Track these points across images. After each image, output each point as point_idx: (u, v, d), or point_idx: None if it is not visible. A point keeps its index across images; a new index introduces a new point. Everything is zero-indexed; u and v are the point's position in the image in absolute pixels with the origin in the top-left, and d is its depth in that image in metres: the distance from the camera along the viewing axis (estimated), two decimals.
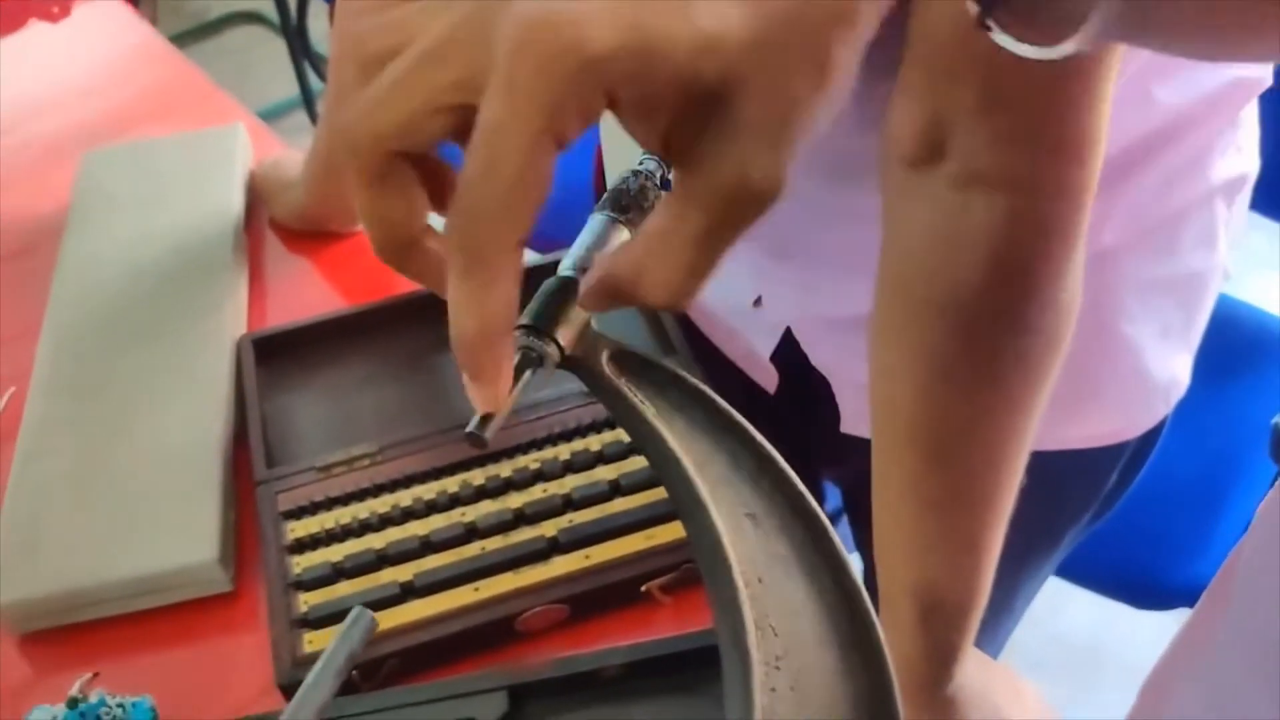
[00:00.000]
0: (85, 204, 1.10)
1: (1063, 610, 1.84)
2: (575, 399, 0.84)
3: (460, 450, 0.81)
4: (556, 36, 0.32)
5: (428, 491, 0.80)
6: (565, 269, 0.41)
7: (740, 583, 0.40)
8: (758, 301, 0.89)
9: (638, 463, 0.79)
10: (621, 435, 0.81)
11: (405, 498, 0.79)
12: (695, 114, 0.34)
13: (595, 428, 0.82)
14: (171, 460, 0.84)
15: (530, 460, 0.81)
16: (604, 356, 0.43)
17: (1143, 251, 0.79)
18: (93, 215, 1.09)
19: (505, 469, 0.80)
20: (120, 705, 0.68)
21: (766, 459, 0.43)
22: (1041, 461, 0.71)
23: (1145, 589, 1.25)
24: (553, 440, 0.82)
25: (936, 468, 0.65)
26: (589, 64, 0.32)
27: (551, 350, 0.40)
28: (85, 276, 1.02)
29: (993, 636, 1.07)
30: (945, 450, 0.64)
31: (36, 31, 1.45)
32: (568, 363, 0.41)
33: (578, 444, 0.81)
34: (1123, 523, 1.10)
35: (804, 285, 0.84)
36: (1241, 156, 0.82)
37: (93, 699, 0.68)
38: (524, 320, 0.40)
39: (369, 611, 0.41)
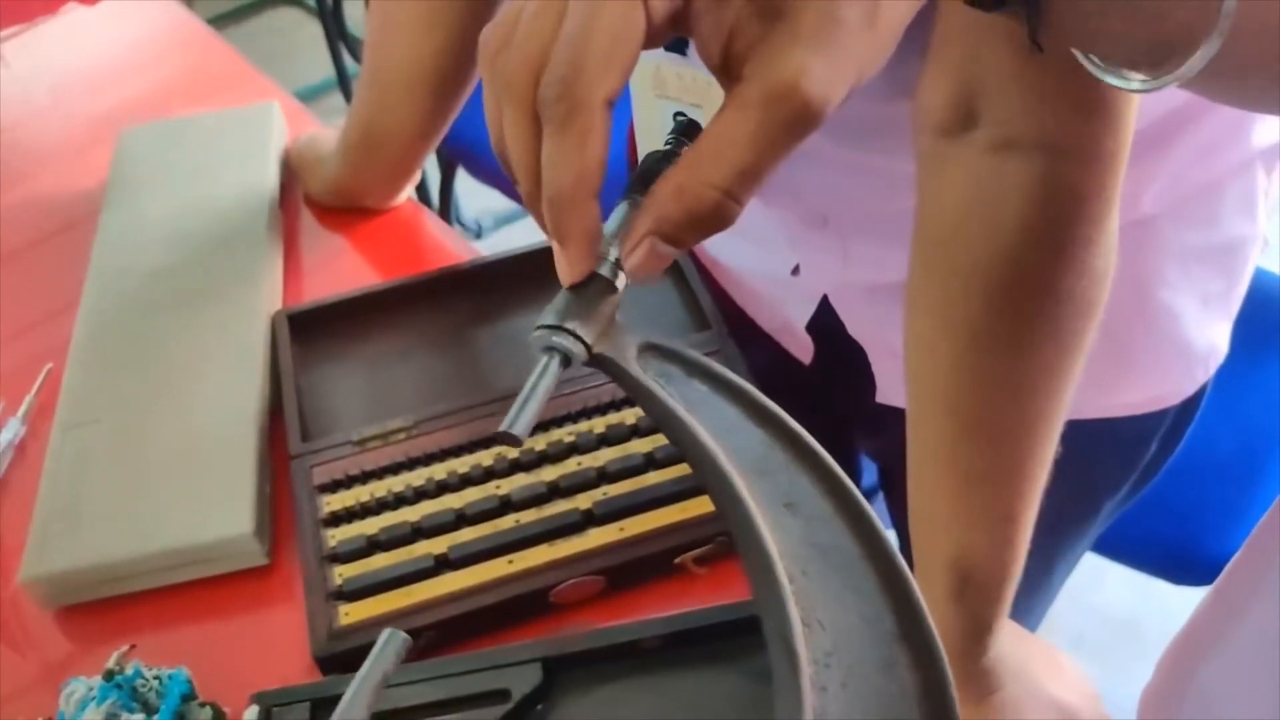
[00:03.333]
0: (123, 180, 1.11)
1: (1102, 585, 1.83)
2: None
3: (494, 423, 0.81)
4: None
5: (462, 465, 0.80)
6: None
7: (783, 578, 0.39)
8: (795, 270, 0.88)
9: None
10: None
11: (440, 471, 0.79)
12: (758, 15, 0.36)
13: (629, 401, 0.82)
14: (207, 434, 0.85)
15: (565, 434, 0.80)
16: (632, 351, 0.42)
17: (1182, 219, 0.78)
18: (130, 191, 1.09)
19: (539, 442, 0.80)
20: (156, 677, 0.69)
21: (803, 446, 0.42)
22: (1081, 430, 0.70)
23: (1183, 564, 1.24)
24: (587, 414, 0.82)
25: (972, 437, 0.64)
26: None
27: (578, 348, 0.40)
28: (122, 252, 1.03)
29: (1030, 610, 1.07)
30: (980, 419, 0.64)
31: (76, 15, 1.46)
32: (595, 359, 0.41)
33: (612, 417, 0.81)
34: (1160, 497, 1.09)
35: (842, 253, 0.84)
36: None
37: (129, 671, 0.69)
38: (549, 320, 0.40)
39: (401, 633, 0.41)
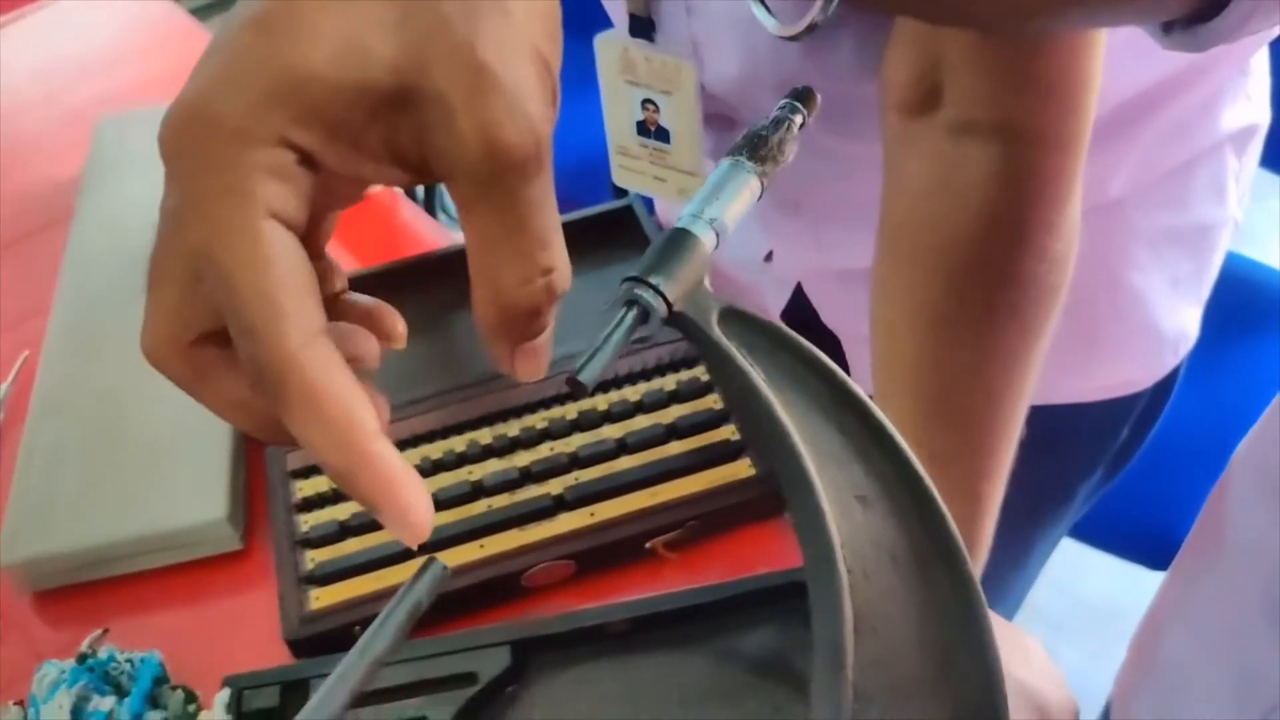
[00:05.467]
0: (100, 168, 1.11)
1: (1082, 573, 1.84)
2: (580, 360, 0.83)
3: (468, 410, 0.82)
4: (195, 120, 0.32)
5: (435, 450, 0.80)
6: (684, 220, 0.40)
7: (843, 570, 0.37)
8: (769, 257, 0.89)
9: (643, 421, 0.79)
10: (628, 395, 0.81)
11: (413, 457, 0.80)
12: (400, 119, 0.32)
13: (601, 387, 0.82)
14: (182, 421, 0.85)
15: (538, 419, 0.81)
16: (714, 315, 0.40)
17: (1153, 202, 0.79)
18: (107, 179, 1.09)
19: (513, 428, 0.80)
20: (129, 660, 0.69)
21: (885, 437, 0.40)
22: (1052, 414, 0.71)
23: (1160, 549, 1.24)
24: (559, 400, 0.82)
25: (935, 419, 0.65)
26: (236, 134, 0.31)
27: (659, 304, 0.38)
28: (99, 240, 1.03)
29: (1006, 596, 1.08)
30: (943, 400, 0.64)
31: (60, 6, 1.46)
32: (674, 319, 0.39)
33: (584, 403, 0.81)
34: (1137, 483, 1.10)
35: (814, 239, 0.84)
36: (1252, 106, 0.82)
37: (102, 655, 0.69)
38: (633, 272, 0.38)
39: (441, 562, 0.38)
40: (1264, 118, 0.84)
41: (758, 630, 0.68)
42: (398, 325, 0.42)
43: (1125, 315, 0.83)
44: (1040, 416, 0.68)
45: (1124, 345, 0.85)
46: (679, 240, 0.39)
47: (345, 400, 0.32)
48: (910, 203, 0.62)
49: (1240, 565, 0.59)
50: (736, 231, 0.38)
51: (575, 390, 0.37)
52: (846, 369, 0.89)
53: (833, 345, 0.90)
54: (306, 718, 0.35)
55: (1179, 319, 0.86)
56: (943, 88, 0.58)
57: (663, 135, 0.80)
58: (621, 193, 0.93)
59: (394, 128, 0.32)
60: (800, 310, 0.90)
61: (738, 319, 0.41)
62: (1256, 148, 0.85)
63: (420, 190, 2.33)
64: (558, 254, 0.35)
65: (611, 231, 0.93)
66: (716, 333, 0.40)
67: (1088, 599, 1.85)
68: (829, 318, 0.89)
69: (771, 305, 0.92)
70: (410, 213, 1.08)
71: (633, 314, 0.38)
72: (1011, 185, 0.58)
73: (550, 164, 0.33)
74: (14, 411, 0.93)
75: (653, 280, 0.38)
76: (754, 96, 0.74)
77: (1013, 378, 0.64)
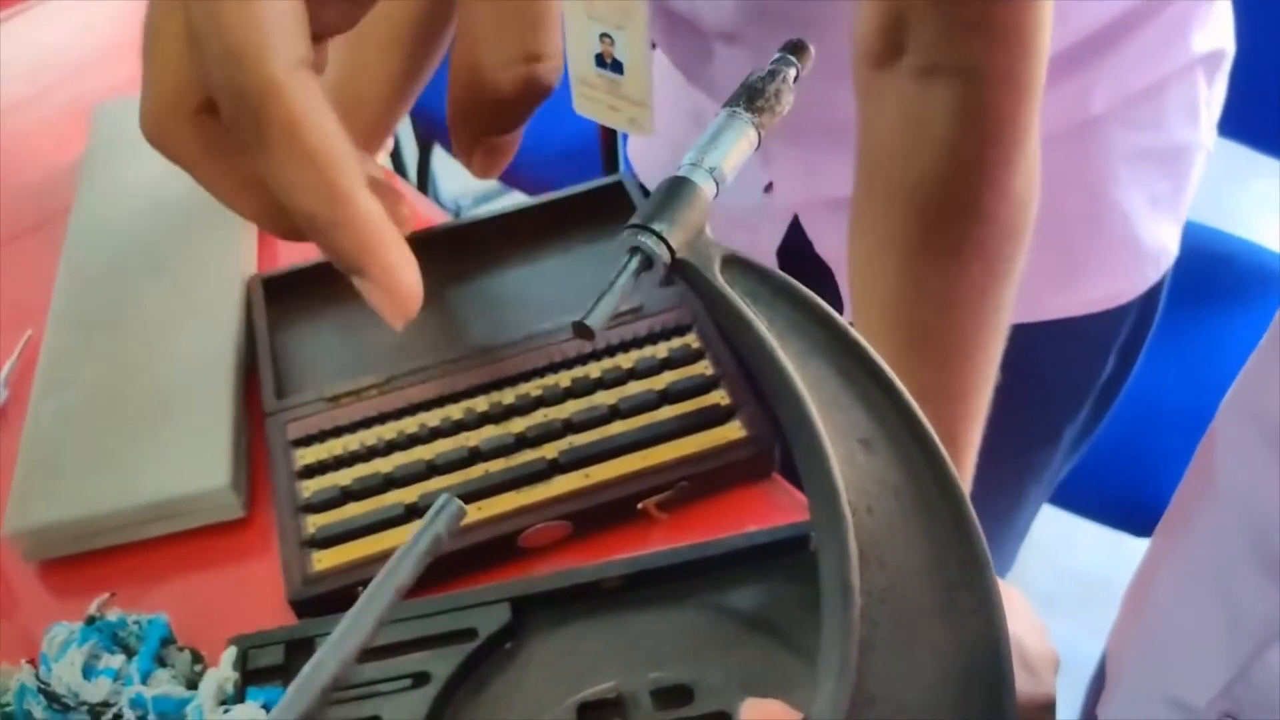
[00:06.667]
0: (99, 151, 1.13)
1: (1073, 545, 1.86)
2: (588, 306, 0.85)
3: (464, 379, 0.83)
4: None
5: (432, 418, 0.82)
6: (684, 169, 0.40)
7: (847, 510, 0.38)
8: (769, 188, 0.92)
9: (635, 388, 0.81)
10: (620, 362, 0.82)
11: (411, 424, 0.82)
12: None
13: (595, 355, 0.84)
14: (184, 393, 0.87)
15: (532, 387, 0.83)
16: (717, 263, 0.41)
17: (1129, 121, 0.84)
18: (106, 162, 1.11)
19: (508, 396, 0.82)
20: (136, 622, 0.71)
21: (885, 381, 0.41)
22: (1038, 333, 0.74)
23: (1146, 516, 1.26)
24: (554, 368, 0.84)
25: (910, 357, 0.67)
26: None
27: (661, 250, 0.38)
28: (99, 219, 1.05)
29: (997, 553, 1.10)
30: (916, 338, 0.67)
31: (54, 1, 1.47)
32: (678, 266, 0.39)
33: (578, 371, 0.83)
34: (1123, 451, 1.12)
35: (809, 168, 0.88)
36: (1218, 31, 0.86)
37: (110, 618, 0.71)
38: (635, 220, 0.39)
39: (457, 499, 0.38)
40: (1229, 44, 0.88)
41: (748, 586, 0.70)
42: (403, 208, 0.38)
43: (1106, 229, 0.87)
44: (1026, 336, 0.71)
45: (1105, 258, 0.89)
46: (679, 188, 0.39)
47: (329, 134, 0.30)
48: (881, 145, 0.66)
49: (1228, 507, 0.61)
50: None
51: (581, 334, 0.37)
52: (840, 300, 0.92)
53: (827, 277, 0.93)
54: (339, 638, 0.36)
55: (1159, 234, 0.90)
56: (906, 37, 0.62)
57: (617, 68, 0.83)
58: (611, 170, 0.95)
59: None
60: (795, 243, 0.93)
61: (740, 266, 0.41)
62: (1223, 78, 0.90)
63: (413, 171, 2.35)
64: (548, 40, 0.32)
65: (601, 208, 0.95)
66: (719, 280, 0.40)
67: (1078, 573, 1.87)
68: (824, 249, 0.92)
69: (768, 239, 0.95)
70: (405, 192, 1.10)
71: (636, 259, 0.38)
72: (972, 124, 0.62)
73: None
74: (18, 389, 0.95)
75: (655, 227, 0.38)
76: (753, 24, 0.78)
77: (982, 316, 0.67)
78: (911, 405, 0.41)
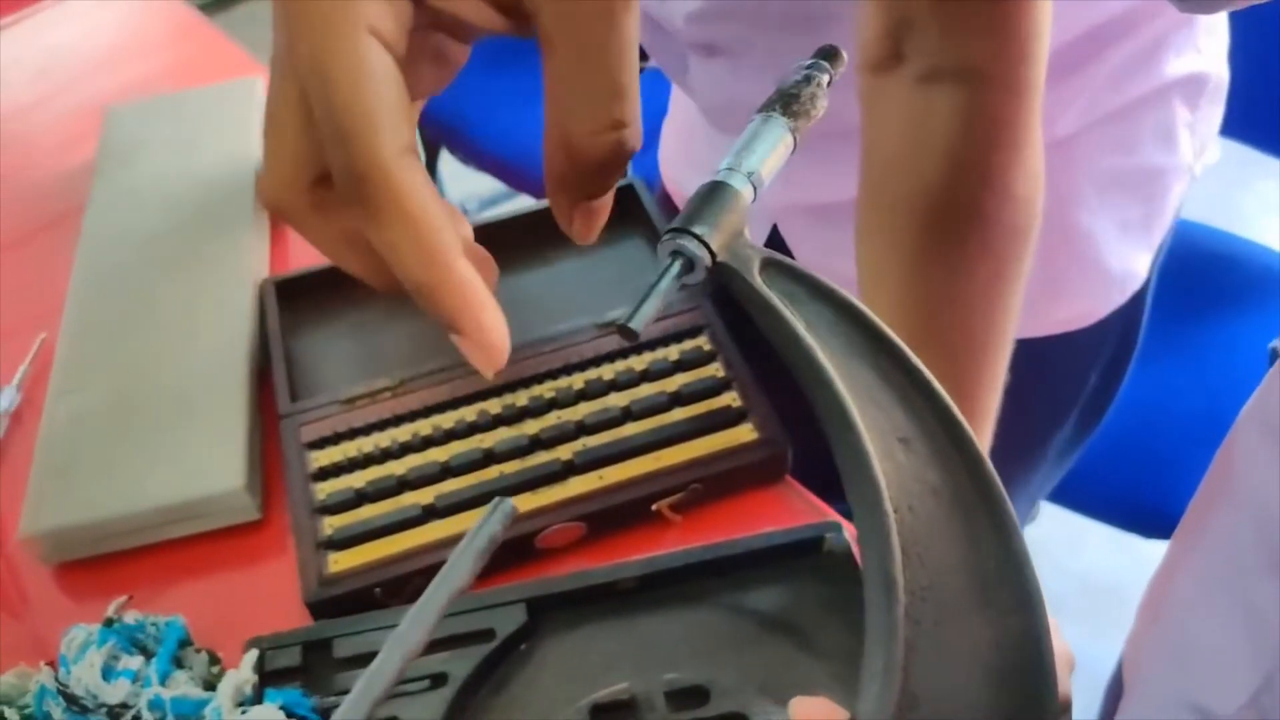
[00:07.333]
0: (112, 154, 1.13)
1: (1082, 550, 1.87)
2: (588, 331, 0.86)
3: (478, 382, 0.84)
4: None
5: (447, 420, 0.82)
6: (721, 173, 0.40)
7: (889, 508, 0.38)
8: None
9: (648, 389, 0.81)
10: (633, 364, 0.83)
11: (425, 426, 0.82)
12: None
13: (609, 358, 0.84)
14: (199, 396, 0.87)
15: (545, 390, 0.83)
16: (756, 265, 0.41)
17: (1099, 143, 0.84)
18: (119, 165, 1.12)
19: (521, 398, 0.82)
20: (154, 624, 0.71)
21: (922, 381, 0.41)
22: (1013, 353, 0.74)
23: (1155, 517, 1.27)
24: (567, 370, 0.84)
25: (920, 358, 0.68)
26: None
27: (702, 254, 0.39)
28: (112, 223, 1.05)
29: None
30: (927, 341, 0.67)
31: (67, 2, 1.48)
32: (718, 269, 0.40)
33: (591, 373, 0.84)
34: (1130, 451, 1.12)
35: (783, 174, 0.88)
36: (1201, 58, 0.87)
37: (128, 620, 0.71)
38: (675, 223, 0.39)
39: (509, 500, 0.39)
40: (1215, 69, 0.88)
41: (762, 587, 0.70)
42: (492, 272, 0.42)
43: (1071, 252, 0.87)
44: None
45: (1069, 281, 0.90)
46: (718, 192, 0.40)
47: (432, 211, 0.34)
48: (885, 151, 0.66)
49: (1248, 517, 0.61)
50: (713, 169, 0.40)
51: (626, 337, 0.37)
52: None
53: None
54: (399, 637, 0.37)
55: (1127, 260, 0.90)
56: (907, 42, 0.62)
57: None
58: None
59: None
60: (775, 250, 0.94)
61: (778, 269, 0.42)
62: (1212, 101, 0.89)
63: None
64: (631, 109, 0.35)
65: (613, 210, 0.95)
66: (759, 282, 0.41)
67: (1088, 578, 1.87)
68: (802, 255, 0.92)
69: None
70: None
71: (679, 263, 0.39)
72: (973, 127, 0.62)
73: (636, 19, 0.34)
74: (33, 393, 0.95)
75: (696, 230, 0.39)
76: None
77: (990, 318, 0.67)
78: (949, 405, 0.41)
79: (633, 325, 0.37)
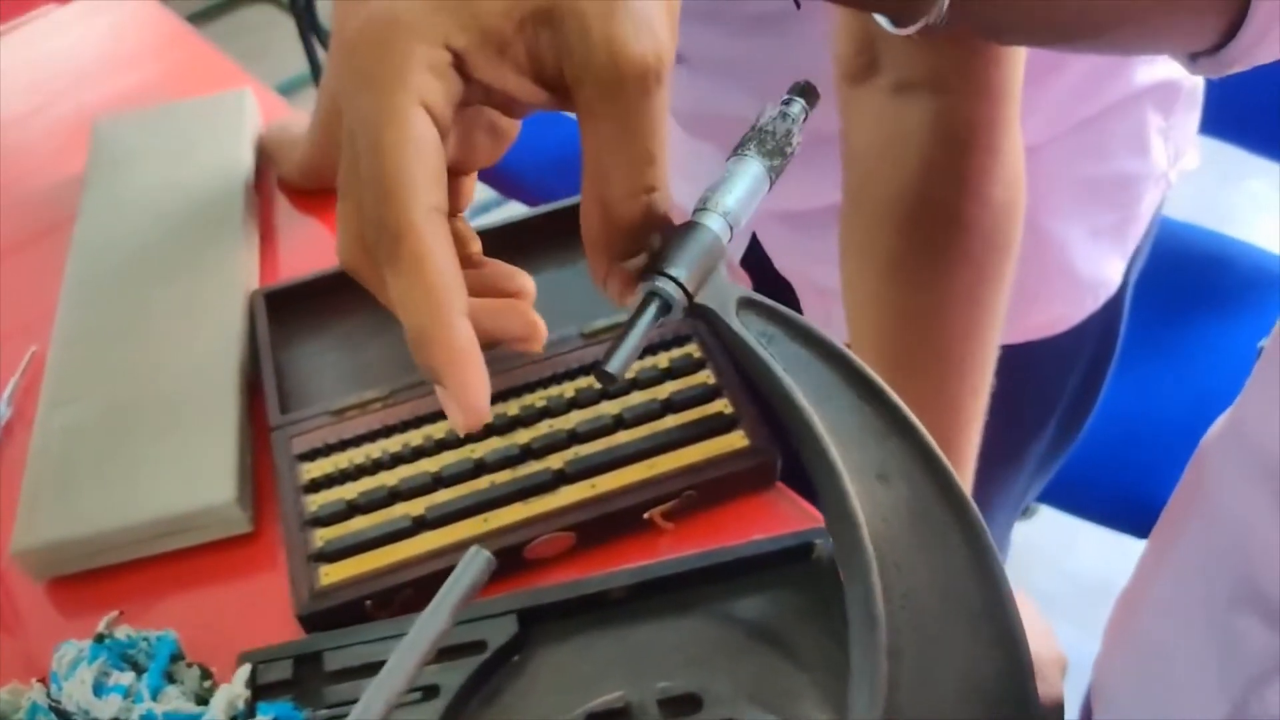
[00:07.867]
0: (101, 166, 1.13)
1: (1073, 549, 1.87)
2: (577, 340, 0.86)
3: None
4: (381, 19, 0.36)
5: (437, 430, 0.82)
6: (697, 213, 0.41)
7: (869, 546, 0.39)
8: None
9: (639, 397, 0.81)
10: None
11: (416, 437, 0.82)
12: (544, 28, 0.36)
13: (598, 366, 0.84)
14: (189, 408, 0.87)
15: (536, 398, 0.83)
16: (733, 305, 0.42)
17: (1069, 149, 0.84)
18: (107, 177, 1.11)
19: (513, 407, 0.82)
20: (145, 639, 0.71)
21: (900, 418, 0.42)
22: None
23: (1147, 517, 1.26)
24: (558, 379, 0.84)
25: (904, 366, 0.68)
26: (409, 30, 0.36)
27: (679, 296, 0.39)
28: (102, 235, 1.05)
29: None
30: (910, 349, 0.67)
31: (54, 14, 1.48)
32: (695, 310, 0.41)
33: (581, 382, 0.84)
34: (1122, 452, 1.12)
35: None
36: (1174, 65, 0.86)
37: (119, 636, 0.71)
38: (651, 265, 0.40)
39: (486, 551, 0.42)
40: (1190, 77, 0.88)
41: (754, 594, 0.70)
42: (528, 284, 0.47)
43: (1043, 259, 0.87)
44: None
45: (1040, 287, 0.90)
46: (694, 232, 0.41)
47: (447, 271, 0.36)
48: (863, 162, 0.67)
49: (1215, 541, 0.60)
50: (692, 181, 0.41)
51: (604, 380, 0.39)
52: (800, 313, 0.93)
53: (787, 293, 0.94)
54: (379, 688, 0.37)
55: (1098, 266, 0.90)
56: (880, 55, 0.63)
57: None
58: None
59: (536, 40, 0.37)
60: (758, 260, 0.94)
61: (755, 309, 0.43)
62: (1187, 108, 0.89)
63: None
64: (661, 176, 0.38)
65: None
66: (737, 324, 0.42)
67: (1079, 577, 1.87)
68: (782, 265, 0.93)
69: (733, 253, 0.96)
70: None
71: (655, 305, 0.39)
72: (947, 134, 0.63)
73: (668, 90, 0.37)
74: (23, 407, 0.95)
75: (671, 272, 0.39)
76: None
77: (974, 324, 0.67)
78: (926, 440, 0.42)
79: (610, 369, 0.38)
